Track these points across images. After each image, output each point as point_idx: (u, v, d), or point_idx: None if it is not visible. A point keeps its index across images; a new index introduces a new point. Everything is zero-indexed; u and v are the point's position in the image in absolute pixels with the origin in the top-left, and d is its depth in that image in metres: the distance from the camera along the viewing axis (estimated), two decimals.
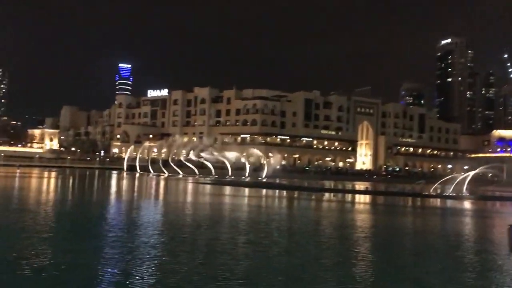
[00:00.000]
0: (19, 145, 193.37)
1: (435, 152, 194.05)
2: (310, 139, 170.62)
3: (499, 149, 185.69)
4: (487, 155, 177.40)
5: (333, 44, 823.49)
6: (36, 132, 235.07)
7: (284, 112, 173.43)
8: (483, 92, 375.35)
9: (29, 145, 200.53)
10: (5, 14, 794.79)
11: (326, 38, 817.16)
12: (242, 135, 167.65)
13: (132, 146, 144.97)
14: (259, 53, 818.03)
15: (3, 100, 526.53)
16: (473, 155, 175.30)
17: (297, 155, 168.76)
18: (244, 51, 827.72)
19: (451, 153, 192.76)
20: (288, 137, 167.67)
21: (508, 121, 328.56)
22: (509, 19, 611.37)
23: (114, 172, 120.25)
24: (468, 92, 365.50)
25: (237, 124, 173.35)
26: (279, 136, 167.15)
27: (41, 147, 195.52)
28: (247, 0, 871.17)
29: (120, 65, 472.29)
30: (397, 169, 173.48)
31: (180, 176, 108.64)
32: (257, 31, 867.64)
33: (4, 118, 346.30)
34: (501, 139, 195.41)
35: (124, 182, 76.60)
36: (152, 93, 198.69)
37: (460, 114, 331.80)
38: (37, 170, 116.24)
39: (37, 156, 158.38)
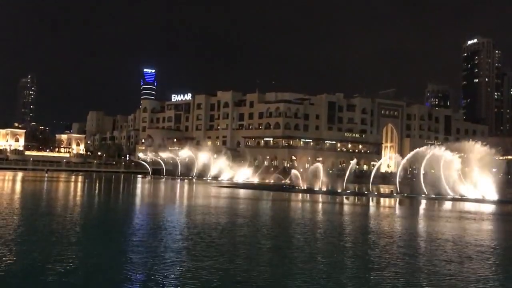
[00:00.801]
0: (47, 150, 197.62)
1: (462, 154, 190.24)
2: (334, 142, 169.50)
3: None
4: None
5: (357, 45, 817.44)
6: (64, 137, 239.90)
7: (307, 115, 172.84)
8: (511, 93, 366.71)
9: (56, 150, 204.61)
10: (32, 22, 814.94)
11: (350, 39, 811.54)
12: (265, 138, 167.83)
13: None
14: (282, 56, 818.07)
15: (31, 106, 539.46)
16: (501, 158, 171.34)
17: (320, 158, 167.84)
18: (266, 54, 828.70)
19: (478, 155, 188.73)
20: (311, 140, 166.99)
21: None
22: None
23: (139, 176, 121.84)
24: (495, 93, 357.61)
25: (260, 127, 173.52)
26: (302, 139, 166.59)
27: (68, 152, 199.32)
28: (270, 3, 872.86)
29: (145, 70, 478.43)
30: (423, 172, 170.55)
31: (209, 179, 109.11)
32: (280, 34, 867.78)
33: (33, 123, 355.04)
34: None
35: (147, 186, 77.53)
36: (176, 98, 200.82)
37: (488, 116, 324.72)
38: (64, 174, 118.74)
39: (64, 160, 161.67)
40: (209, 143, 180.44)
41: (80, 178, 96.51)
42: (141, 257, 16.85)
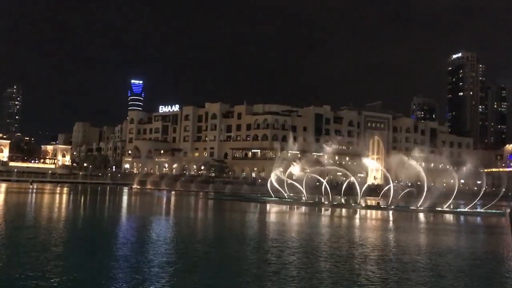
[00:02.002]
0: (32, 161, 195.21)
1: (447, 166, 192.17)
2: (321, 154, 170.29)
3: None
4: (500, 169, 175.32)
5: (344, 59, 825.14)
6: (49, 148, 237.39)
7: (295, 127, 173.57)
8: (495, 106, 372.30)
9: (42, 161, 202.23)
10: (18, 32, 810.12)
11: (337, 53, 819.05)
12: (252, 150, 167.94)
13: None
14: (270, 68, 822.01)
15: (16, 117, 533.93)
16: (486, 170, 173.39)
17: (307, 170, 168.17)
18: (254, 66, 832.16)
19: (464, 168, 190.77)
20: (298, 152, 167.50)
21: None
22: None
23: (125, 188, 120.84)
24: (480, 106, 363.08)
25: (248, 139, 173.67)
26: (289, 151, 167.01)
27: (54, 163, 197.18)
28: (258, 15, 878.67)
29: (132, 81, 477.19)
30: (409, 184, 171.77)
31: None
32: (268, 46, 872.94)
33: (18, 134, 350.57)
34: None
35: (133, 199, 76.94)
36: (163, 109, 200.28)
37: (472, 129, 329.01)
38: (49, 185, 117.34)
39: (50, 172, 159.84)
40: (197, 154, 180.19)
41: (65, 190, 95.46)
42: (123, 272, 16.70)
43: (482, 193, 69.88)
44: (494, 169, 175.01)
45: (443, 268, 20.69)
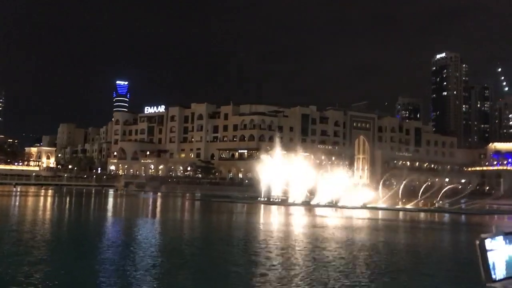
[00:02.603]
0: (16, 164, 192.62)
1: (432, 165, 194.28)
2: (307, 154, 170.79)
3: (495, 162, 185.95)
4: (484, 168, 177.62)
5: (329, 59, 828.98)
6: (33, 150, 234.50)
7: (282, 127, 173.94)
8: (478, 105, 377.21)
9: (25, 163, 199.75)
10: (1, 33, 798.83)
11: (322, 54, 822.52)
12: (239, 151, 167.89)
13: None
14: (256, 68, 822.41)
15: (0, 119, 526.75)
16: (470, 169, 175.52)
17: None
18: (241, 67, 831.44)
19: (448, 166, 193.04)
20: (285, 152, 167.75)
21: (504, 134, 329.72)
22: (501, 33, 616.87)
23: (111, 190, 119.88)
24: (463, 106, 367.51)
25: (235, 139, 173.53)
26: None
27: (38, 165, 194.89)
28: (244, 16, 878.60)
29: (117, 82, 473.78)
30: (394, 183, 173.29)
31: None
32: (253, 47, 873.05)
33: (1, 136, 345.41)
34: (497, 152, 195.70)
35: (119, 201, 76.40)
36: (149, 110, 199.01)
37: (456, 128, 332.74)
38: (33, 188, 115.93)
39: (34, 174, 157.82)
40: (183, 155, 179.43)
41: (50, 192, 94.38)
42: (110, 275, 16.55)
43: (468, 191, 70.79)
44: (478, 168, 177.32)
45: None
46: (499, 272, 2.34)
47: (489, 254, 2.34)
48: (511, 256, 2.35)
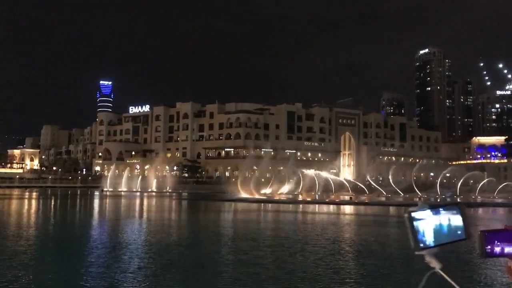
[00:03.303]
0: None
1: (417, 160, 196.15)
2: (294, 151, 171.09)
3: (479, 156, 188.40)
4: (468, 162, 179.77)
5: (314, 56, 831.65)
6: (16, 152, 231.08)
7: (268, 125, 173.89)
8: (461, 100, 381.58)
9: (9, 165, 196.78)
10: None
11: (306, 51, 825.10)
12: (226, 149, 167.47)
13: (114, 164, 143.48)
14: (241, 67, 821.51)
15: None
16: (454, 163, 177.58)
17: (281, 168, 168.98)
18: (226, 65, 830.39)
19: (433, 161, 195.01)
20: (271, 150, 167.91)
21: (487, 128, 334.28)
22: (482, 29, 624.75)
23: (96, 191, 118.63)
24: (447, 101, 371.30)
25: (221, 138, 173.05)
26: (262, 149, 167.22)
27: (22, 167, 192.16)
28: (229, 15, 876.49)
29: (101, 82, 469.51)
30: (380, 179, 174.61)
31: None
32: (239, 45, 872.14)
33: None
34: (481, 146, 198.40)
35: (105, 202, 75.65)
36: (133, 110, 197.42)
37: (440, 123, 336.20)
38: (17, 190, 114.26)
39: (18, 176, 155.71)
40: (169, 155, 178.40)
41: (34, 195, 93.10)
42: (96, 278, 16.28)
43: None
44: (462, 162, 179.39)
45: None
46: (427, 240, 2.55)
47: (418, 223, 2.56)
48: (437, 226, 2.55)
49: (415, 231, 2.54)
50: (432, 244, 2.53)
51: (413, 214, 2.56)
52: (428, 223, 2.55)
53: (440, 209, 2.53)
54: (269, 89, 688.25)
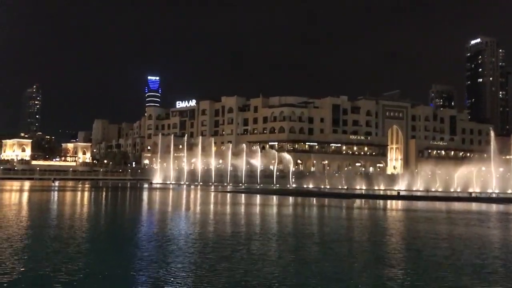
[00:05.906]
0: (54, 159, 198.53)
1: (468, 154, 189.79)
2: (339, 145, 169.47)
3: None
4: None
5: (360, 47, 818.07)
6: (70, 146, 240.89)
7: (312, 118, 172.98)
8: None
9: (63, 158, 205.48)
10: (36, 32, 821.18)
11: (353, 42, 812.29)
12: (270, 143, 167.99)
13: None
14: (286, 60, 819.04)
15: (37, 116, 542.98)
16: (507, 157, 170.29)
17: (326, 161, 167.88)
18: (271, 59, 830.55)
19: (485, 155, 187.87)
20: (316, 144, 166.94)
21: None
22: None
23: (145, 184, 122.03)
24: (500, 92, 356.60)
25: (265, 132, 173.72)
26: (307, 143, 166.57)
27: (75, 161, 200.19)
28: (274, 8, 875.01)
29: (149, 77, 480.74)
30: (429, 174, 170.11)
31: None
32: (283, 38, 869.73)
33: (39, 133, 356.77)
34: None
35: (154, 194, 77.70)
36: (180, 104, 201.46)
37: (493, 115, 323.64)
38: (71, 182, 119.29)
39: (71, 169, 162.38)
40: (214, 148, 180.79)
41: (86, 187, 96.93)
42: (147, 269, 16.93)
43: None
44: None
45: None
46: None
47: None
48: None
49: None
50: None
51: None
52: None
53: None
54: (313, 82, 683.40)
